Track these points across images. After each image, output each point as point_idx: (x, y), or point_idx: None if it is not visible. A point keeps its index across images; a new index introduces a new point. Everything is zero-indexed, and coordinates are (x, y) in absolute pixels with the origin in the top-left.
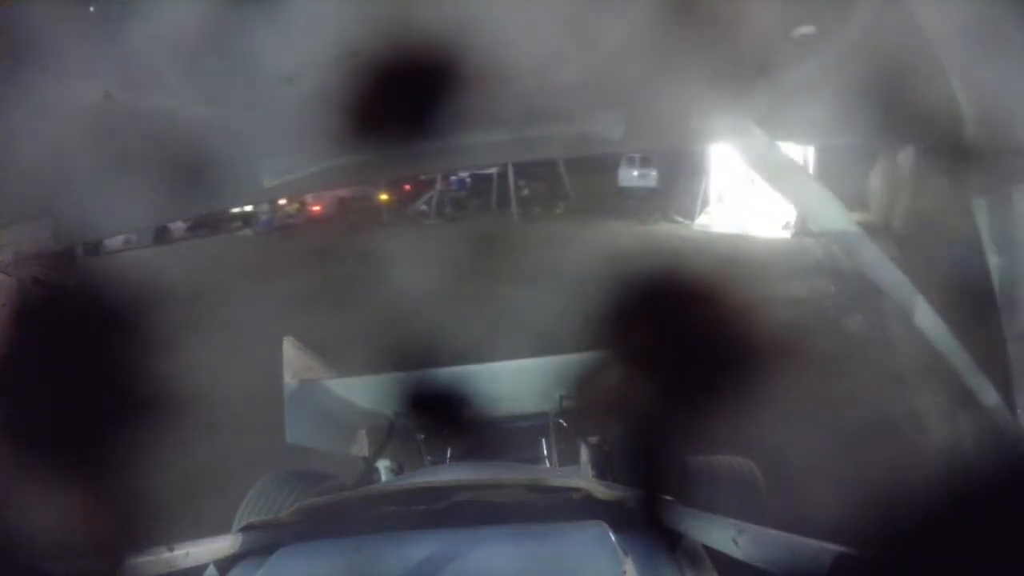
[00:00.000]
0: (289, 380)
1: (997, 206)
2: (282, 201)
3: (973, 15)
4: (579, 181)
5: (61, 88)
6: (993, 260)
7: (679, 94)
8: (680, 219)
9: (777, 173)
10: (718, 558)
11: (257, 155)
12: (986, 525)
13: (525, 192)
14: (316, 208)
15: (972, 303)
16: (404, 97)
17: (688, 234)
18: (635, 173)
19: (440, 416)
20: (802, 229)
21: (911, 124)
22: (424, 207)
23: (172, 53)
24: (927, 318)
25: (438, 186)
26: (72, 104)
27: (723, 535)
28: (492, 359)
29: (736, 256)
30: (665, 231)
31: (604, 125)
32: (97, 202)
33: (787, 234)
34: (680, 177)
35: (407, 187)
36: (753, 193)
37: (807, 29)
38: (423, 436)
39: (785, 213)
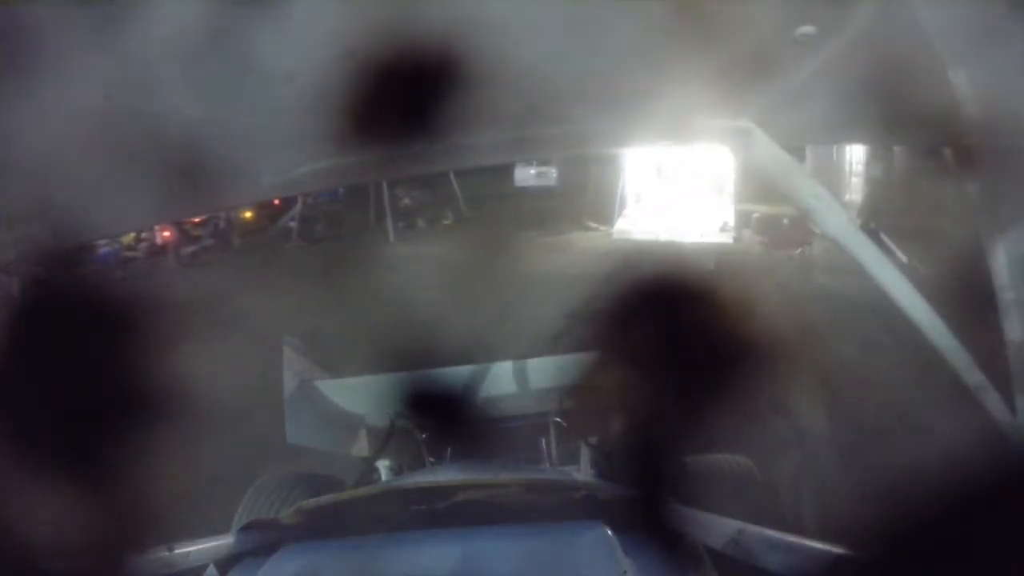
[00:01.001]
0: (289, 380)
1: (997, 206)
2: None
3: (974, 15)
4: (471, 183)
5: (61, 88)
6: (993, 260)
7: (679, 94)
8: (595, 225)
9: (776, 173)
10: (718, 558)
11: (257, 154)
12: (986, 526)
13: (406, 201)
14: (166, 234)
15: (972, 303)
16: (405, 96)
17: (609, 245)
18: (532, 172)
19: (440, 416)
20: (759, 232)
21: (911, 124)
22: (291, 224)
23: (172, 53)
24: (927, 318)
25: (301, 198)
26: (72, 104)
27: (723, 535)
28: (492, 359)
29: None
30: (580, 242)
31: (604, 125)
32: (97, 202)
33: (728, 239)
34: (589, 175)
35: (276, 201)
36: (674, 191)
37: (807, 29)
38: (423, 436)
39: (720, 213)
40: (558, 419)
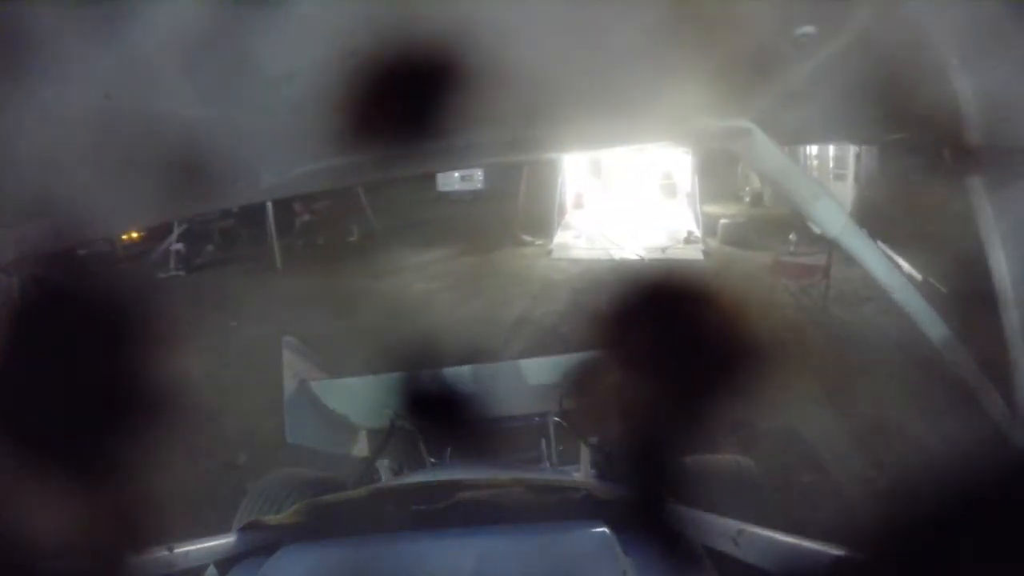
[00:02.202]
0: (289, 380)
1: (997, 205)
2: None
3: (974, 15)
4: (387, 188)
5: (61, 88)
6: (993, 260)
7: (679, 94)
8: (529, 239)
9: (776, 173)
10: (718, 558)
11: (257, 154)
12: (986, 526)
13: (306, 217)
14: None
15: (972, 303)
16: (404, 96)
17: (548, 268)
18: (457, 175)
19: (440, 416)
20: (736, 241)
21: (911, 124)
22: (179, 246)
23: (172, 53)
24: (927, 318)
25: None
26: (72, 104)
27: (723, 535)
28: (492, 359)
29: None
30: (511, 264)
31: (604, 125)
32: (97, 202)
33: (697, 253)
34: (520, 177)
35: None
36: (623, 194)
37: (807, 29)
38: (423, 436)
39: (682, 220)
40: (558, 419)
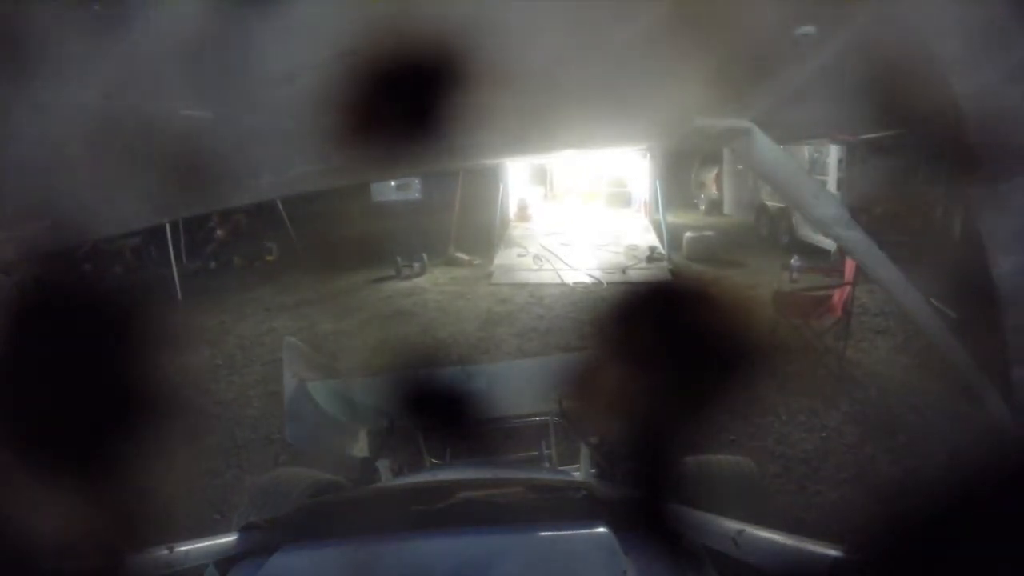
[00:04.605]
0: (289, 380)
1: (997, 205)
2: None
3: (974, 15)
4: (315, 197)
5: (61, 88)
6: (992, 259)
7: (679, 94)
8: (466, 258)
9: (776, 173)
10: (718, 558)
11: (257, 154)
12: (986, 526)
13: (219, 232)
14: None
15: (972, 302)
16: (404, 96)
17: (488, 297)
18: (392, 183)
19: (440, 416)
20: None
21: (911, 124)
22: (85, 268)
23: (172, 53)
24: (927, 317)
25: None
26: (72, 104)
27: (723, 535)
28: (492, 359)
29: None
30: (447, 290)
31: (604, 125)
32: (97, 202)
33: (663, 272)
34: (456, 185)
35: None
36: (570, 203)
37: (807, 29)
38: (423, 436)
39: (643, 234)
40: (558, 419)
